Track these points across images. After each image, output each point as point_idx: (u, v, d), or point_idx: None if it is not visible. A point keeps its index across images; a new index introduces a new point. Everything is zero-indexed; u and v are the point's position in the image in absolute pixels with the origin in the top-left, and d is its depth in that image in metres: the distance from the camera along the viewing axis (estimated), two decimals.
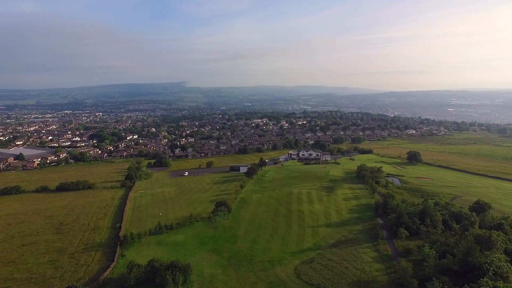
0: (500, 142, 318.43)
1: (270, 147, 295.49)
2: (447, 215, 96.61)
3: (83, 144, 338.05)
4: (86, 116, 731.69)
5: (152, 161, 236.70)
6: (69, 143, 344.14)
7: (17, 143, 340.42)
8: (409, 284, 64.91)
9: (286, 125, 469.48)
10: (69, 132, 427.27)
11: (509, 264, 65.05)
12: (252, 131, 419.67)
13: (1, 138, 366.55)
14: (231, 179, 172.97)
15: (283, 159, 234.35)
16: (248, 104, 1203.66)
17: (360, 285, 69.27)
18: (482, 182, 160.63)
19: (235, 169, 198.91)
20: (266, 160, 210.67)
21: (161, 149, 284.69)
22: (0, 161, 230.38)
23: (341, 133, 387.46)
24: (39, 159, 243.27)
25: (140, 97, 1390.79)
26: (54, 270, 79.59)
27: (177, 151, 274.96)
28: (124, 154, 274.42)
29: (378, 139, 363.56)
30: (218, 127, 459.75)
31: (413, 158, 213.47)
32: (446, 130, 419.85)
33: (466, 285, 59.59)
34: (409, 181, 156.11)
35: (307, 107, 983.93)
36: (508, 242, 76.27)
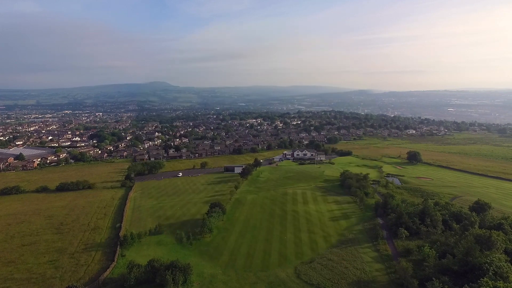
0: (500, 142, 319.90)
1: (265, 147, 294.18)
2: (447, 215, 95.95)
3: (83, 144, 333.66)
4: (86, 116, 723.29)
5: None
6: (69, 143, 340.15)
7: (17, 143, 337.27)
8: (409, 284, 64.02)
9: (281, 125, 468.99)
10: (69, 132, 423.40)
11: (509, 264, 64.55)
12: (247, 131, 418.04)
13: (1, 138, 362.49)
14: (226, 180, 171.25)
15: (277, 159, 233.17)
16: (243, 104, 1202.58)
17: (360, 285, 68.25)
18: (482, 182, 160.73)
19: (229, 169, 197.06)
20: (261, 161, 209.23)
21: (119, 155, 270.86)
22: (0, 161, 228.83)
23: (335, 133, 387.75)
24: (39, 159, 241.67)
25: (138, 97, 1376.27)
26: (54, 270, 79.43)
27: (171, 151, 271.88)
28: (124, 154, 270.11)
29: (382, 138, 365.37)
30: (212, 127, 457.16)
31: (413, 158, 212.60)
32: (446, 130, 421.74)
33: (466, 285, 58.95)
34: (409, 181, 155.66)
35: (301, 107, 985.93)
36: (508, 242, 75.76)
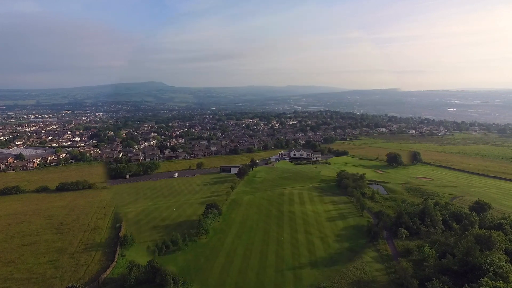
0: (500, 142, 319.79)
1: (261, 147, 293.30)
2: (447, 215, 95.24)
3: (83, 144, 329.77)
4: (86, 116, 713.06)
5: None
6: (69, 143, 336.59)
7: (17, 143, 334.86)
8: (409, 284, 63.42)
9: (277, 125, 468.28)
10: (69, 132, 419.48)
11: (509, 264, 64.29)
12: (243, 131, 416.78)
13: (1, 138, 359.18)
14: (222, 180, 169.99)
15: (274, 160, 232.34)
16: (239, 104, 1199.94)
17: (360, 285, 67.62)
18: (483, 182, 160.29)
19: (226, 170, 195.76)
20: (257, 161, 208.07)
21: (114, 156, 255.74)
22: (0, 161, 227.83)
23: (331, 133, 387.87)
24: (39, 159, 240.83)
25: (102, 98, 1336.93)
26: (54, 270, 79.28)
27: (166, 152, 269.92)
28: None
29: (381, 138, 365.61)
30: (208, 128, 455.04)
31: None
32: (446, 130, 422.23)
33: (466, 285, 58.63)
34: (410, 181, 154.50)
35: (297, 107, 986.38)
36: (508, 242, 75.45)
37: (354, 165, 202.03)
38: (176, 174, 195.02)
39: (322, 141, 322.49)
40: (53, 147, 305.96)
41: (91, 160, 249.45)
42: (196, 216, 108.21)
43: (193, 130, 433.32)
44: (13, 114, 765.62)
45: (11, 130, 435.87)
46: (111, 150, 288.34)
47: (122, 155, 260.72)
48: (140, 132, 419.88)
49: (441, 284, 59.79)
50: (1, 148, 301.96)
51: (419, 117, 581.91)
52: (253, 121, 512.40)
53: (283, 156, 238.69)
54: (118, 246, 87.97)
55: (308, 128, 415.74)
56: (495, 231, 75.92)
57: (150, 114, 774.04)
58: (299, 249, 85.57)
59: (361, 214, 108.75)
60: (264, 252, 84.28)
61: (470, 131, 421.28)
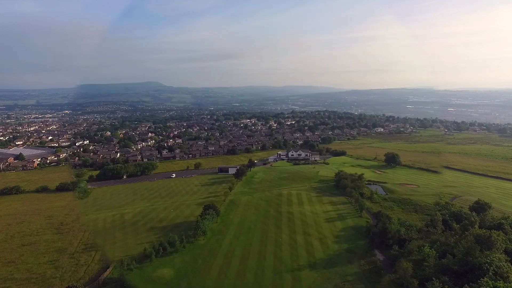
0: (500, 141, 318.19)
1: (259, 147, 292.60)
2: (447, 215, 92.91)
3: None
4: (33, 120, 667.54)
5: (95, 173, 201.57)
6: (69, 143, 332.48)
7: (17, 143, 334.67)
8: (409, 284, 62.63)
9: (275, 125, 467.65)
10: (69, 132, 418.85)
11: (509, 264, 63.66)
12: (241, 131, 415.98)
13: (1, 138, 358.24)
14: (220, 181, 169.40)
15: (272, 160, 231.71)
16: (237, 104, 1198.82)
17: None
18: (483, 182, 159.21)
19: (223, 170, 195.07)
20: (255, 161, 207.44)
21: (111, 156, 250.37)
22: (0, 161, 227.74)
23: (329, 133, 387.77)
24: (39, 159, 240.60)
25: (100, 98, 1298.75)
26: (54, 270, 79.41)
27: (164, 152, 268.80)
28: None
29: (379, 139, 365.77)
30: (206, 128, 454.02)
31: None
32: (446, 130, 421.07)
33: (466, 285, 58.08)
34: (394, 189, 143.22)
35: (295, 107, 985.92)
36: (508, 242, 74.83)
37: (352, 165, 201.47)
38: (174, 175, 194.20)
39: (320, 141, 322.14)
40: (53, 147, 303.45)
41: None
42: (194, 217, 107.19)
43: (191, 130, 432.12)
44: (13, 114, 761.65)
45: (11, 130, 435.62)
46: (109, 150, 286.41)
47: (120, 155, 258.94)
48: (138, 132, 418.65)
49: (441, 284, 59.18)
50: (1, 148, 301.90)
51: (424, 118, 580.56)
52: (251, 121, 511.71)
53: (281, 156, 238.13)
54: None
55: (306, 128, 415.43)
56: (495, 231, 75.36)
57: (147, 114, 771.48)
58: (297, 250, 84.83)
59: (360, 215, 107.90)
60: (262, 254, 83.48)
61: (470, 131, 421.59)
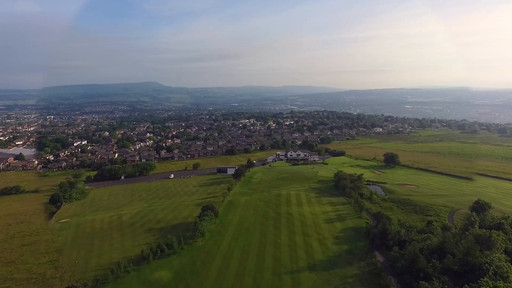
0: (500, 141, 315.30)
1: (258, 147, 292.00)
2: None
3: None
4: (32, 119, 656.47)
5: (93, 173, 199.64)
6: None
7: (17, 143, 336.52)
8: None
9: (274, 125, 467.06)
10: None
11: (509, 264, 63.63)
12: (240, 131, 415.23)
13: (1, 138, 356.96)
14: (218, 181, 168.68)
15: (271, 160, 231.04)
16: (236, 104, 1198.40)
17: None
18: (485, 181, 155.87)
19: (222, 170, 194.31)
20: (254, 161, 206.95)
21: (109, 157, 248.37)
22: (0, 161, 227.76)
23: (328, 133, 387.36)
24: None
25: (99, 98, 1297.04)
26: (54, 270, 79.47)
27: (162, 152, 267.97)
28: (63, 165, 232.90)
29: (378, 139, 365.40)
30: (205, 128, 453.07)
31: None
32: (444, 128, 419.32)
33: (466, 285, 57.94)
34: (393, 190, 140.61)
35: (294, 107, 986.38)
36: (508, 242, 74.60)
37: (351, 166, 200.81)
38: (172, 175, 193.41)
39: (319, 141, 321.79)
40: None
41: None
42: (192, 218, 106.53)
43: (190, 130, 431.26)
44: (13, 114, 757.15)
45: (11, 130, 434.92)
46: (107, 151, 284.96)
47: (118, 156, 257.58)
48: (136, 132, 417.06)
49: (441, 284, 58.85)
50: (1, 148, 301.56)
51: (416, 118, 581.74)
52: (250, 121, 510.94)
53: (280, 157, 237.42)
54: None
55: (305, 128, 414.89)
56: (495, 231, 75.21)
57: (146, 114, 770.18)
58: (296, 251, 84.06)
59: (359, 216, 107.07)
60: (261, 255, 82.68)
61: (470, 132, 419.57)
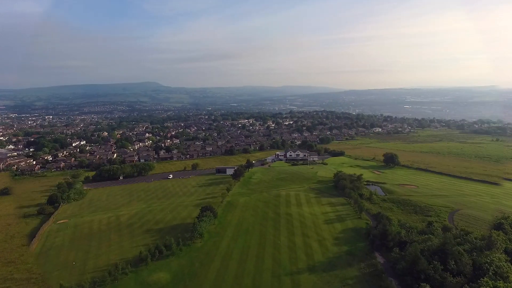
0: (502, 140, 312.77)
1: (257, 147, 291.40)
2: (474, 253, 68.53)
3: (15, 153, 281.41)
4: (33, 120, 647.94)
5: (92, 173, 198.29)
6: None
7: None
8: None
9: (273, 125, 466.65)
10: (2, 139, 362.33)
11: (509, 264, 63.56)
12: (239, 131, 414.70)
13: (1, 138, 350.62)
14: (217, 182, 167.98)
15: (270, 160, 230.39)
16: (235, 104, 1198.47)
17: None
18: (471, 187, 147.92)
19: (221, 171, 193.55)
20: (253, 161, 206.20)
21: (108, 157, 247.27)
22: (0, 161, 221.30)
23: (327, 133, 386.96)
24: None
25: (98, 98, 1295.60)
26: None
27: (161, 153, 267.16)
28: (62, 166, 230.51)
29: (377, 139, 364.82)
30: (204, 128, 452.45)
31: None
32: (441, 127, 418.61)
33: (466, 285, 57.88)
34: (393, 190, 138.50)
35: (293, 107, 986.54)
36: (508, 242, 74.17)
37: (351, 166, 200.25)
38: (171, 176, 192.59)
39: (318, 141, 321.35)
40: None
41: (16, 175, 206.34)
42: (191, 218, 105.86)
43: (189, 130, 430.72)
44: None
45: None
46: (105, 151, 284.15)
47: (116, 156, 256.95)
48: (135, 132, 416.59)
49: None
50: (1, 148, 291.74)
51: (415, 118, 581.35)
52: (249, 121, 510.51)
53: (279, 157, 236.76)
54: None
55: (304, 128, 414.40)
56: (495, 231, 74.79)
57: (145, 114, 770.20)
58: (296, 252, 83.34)
59: (359, 216, 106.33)
60: (261, 256, 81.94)
61: (466, 131, 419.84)
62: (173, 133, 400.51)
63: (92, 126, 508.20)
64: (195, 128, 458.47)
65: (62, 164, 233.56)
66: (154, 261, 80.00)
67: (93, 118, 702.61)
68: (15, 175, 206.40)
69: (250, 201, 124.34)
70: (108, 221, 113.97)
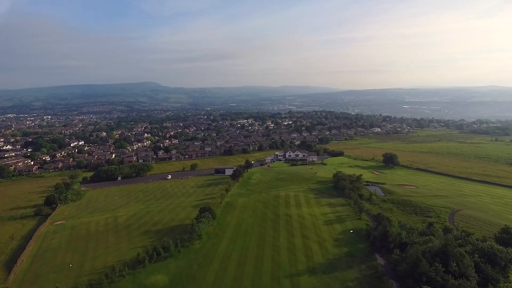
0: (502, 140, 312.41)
1: (256, 148, 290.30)
2: (476, 255, 68.25)
3: (13, 153, 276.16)
4: (31, 120, 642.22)
5: (90, 174, 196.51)
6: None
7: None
8: None
9: (272, 125, 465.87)
10: (0, 139, 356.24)
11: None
12: (238, 131, 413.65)
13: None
14: (216, 182, 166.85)
15: (269, 160, 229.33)
16: (234, 104, 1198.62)
17: None
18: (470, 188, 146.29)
19: (220, 171, 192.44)
20: (252, 162, 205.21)
21: (106, 157, 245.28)
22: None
23: (326, 133, 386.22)
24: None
25: (97, 98, 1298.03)
26: None
27: (160, 153, 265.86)
28: (60, 166, 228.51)
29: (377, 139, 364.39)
30: (203, 128, 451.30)
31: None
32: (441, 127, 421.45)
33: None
34: (393, 190, 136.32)
35: (292, 107, 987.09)
36: None
37: (350, 166, 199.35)
38: (170, 176, 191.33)
39: (318, 142, 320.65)
40: None
41: (13, 176, 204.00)
42: (189, 220, 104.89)
43: (187, 130, 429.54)
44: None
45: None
46: (104, 151, 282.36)
47: (115, 156, 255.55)
48: (134, 133, 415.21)
49: None
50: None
51: (414, 118, 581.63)
52: (248, 122, 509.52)
53: (279, 157, 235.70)
54: None
55: (303, 128, 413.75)
56: None
57: (144, 114, 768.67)
58: (296, 254, 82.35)
59: (359, 217, 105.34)
60: (260, 258, 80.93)
61: (465, 131, 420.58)
62: (172, 133, 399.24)
63: (90, 126, 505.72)
64: (194, 128, 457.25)
65: (60, 165, 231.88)
66: (152, 263, 78.99)
67: (91, 118, 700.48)
68: (13, 175, 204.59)
69: (249, 202, 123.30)
70: (106, 222, 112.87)
